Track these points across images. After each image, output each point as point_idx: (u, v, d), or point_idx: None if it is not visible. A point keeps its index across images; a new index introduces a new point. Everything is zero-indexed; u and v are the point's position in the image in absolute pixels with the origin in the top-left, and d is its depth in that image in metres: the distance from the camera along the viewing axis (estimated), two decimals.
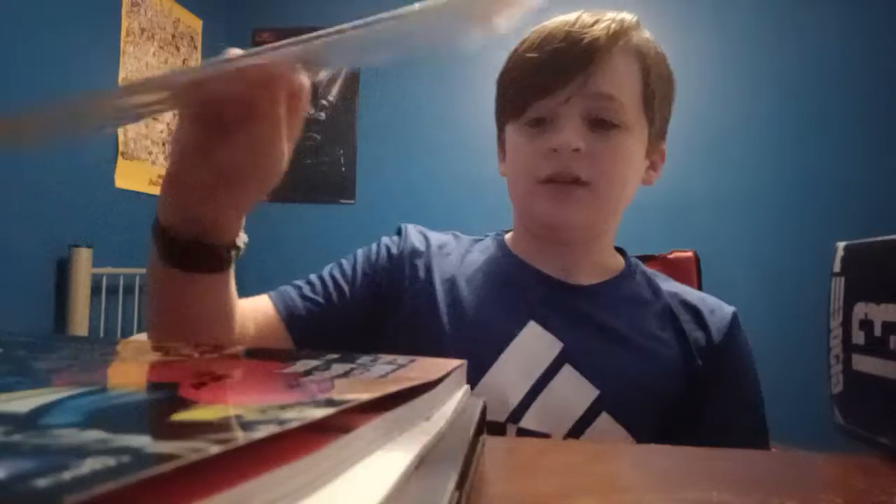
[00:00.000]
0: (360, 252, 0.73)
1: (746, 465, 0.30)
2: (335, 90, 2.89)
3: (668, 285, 0.70)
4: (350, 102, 2.87)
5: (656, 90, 0.64)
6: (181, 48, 2.63)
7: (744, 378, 0.66)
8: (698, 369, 0.63)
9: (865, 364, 0.32)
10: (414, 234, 0.72)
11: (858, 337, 0.33)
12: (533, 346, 0.61)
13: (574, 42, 0.59)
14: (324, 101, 2.89)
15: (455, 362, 0.28)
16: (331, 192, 2.86)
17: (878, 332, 0.31)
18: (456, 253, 0.71)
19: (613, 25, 0.60)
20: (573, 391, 0.59)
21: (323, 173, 2.87)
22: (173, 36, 2.57)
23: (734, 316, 0.67)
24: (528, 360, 0.60)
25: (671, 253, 0.93)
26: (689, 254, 0.93)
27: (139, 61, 2.36)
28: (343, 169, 2.86)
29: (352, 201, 2.85)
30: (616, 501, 0.24)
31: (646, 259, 0.91)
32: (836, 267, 0.36)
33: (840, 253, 0.36)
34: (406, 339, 0.64)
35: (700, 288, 0.90)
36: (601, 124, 0.61)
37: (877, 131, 2.54)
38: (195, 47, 2.74)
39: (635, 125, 0.62)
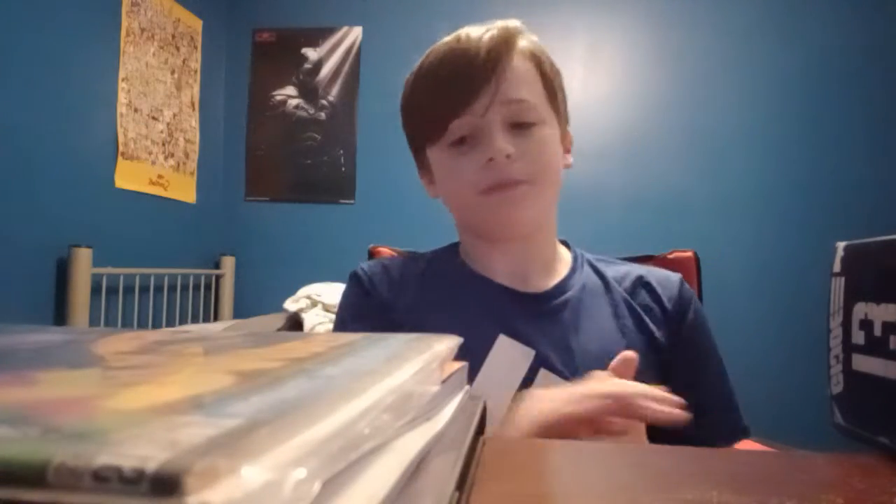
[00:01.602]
0: (347, 311, 0.73)
1: (746, 465, 0.30)
2: (335, 90, 2.89)
3: (613, 269, 0.73)
4: (350, 102, 2.87)
5: (555, 83, 0.68)
6: (181, 48, 2.63)
7: (702, 342, 0.69)
8: (661, 344, 0.66)
9: (865, 364, 0.32)
10: (372, 274, 0.72)
11: (858, 337, 0.33)
12: (507, 357, 0.63)
13: (473, 56, 0.63)
14: (324, 101, 2.89)
15: (457, 364, 0.28)
16: (331, 192, 2.86)
17: (878, 332, 0.31)
18: (415, 278, 0.72)
19: (502, 33, 0.64)
20: None
21: (323, 173, 2.87)
22: (173, 36, 2.57)
23: (681, 282, 0.71)
24: (505, 373, 0.62)
25: (671, 253, 0.93)
26: (689, 254, 0.93)
27: (139, 61, 2.36)
28: (343, 169, 2.87)
29: (352, 201, 2.85)
30: (616, 501, 0.24)
31: (646, 259, 0.91)
32: (836, 267, 0.36)
33: (840, 253, 0.36)
34: None
35: (700, 288, 0.90)
36: (521, 125, 0.64)
37: (877, 131, 2.54)
38: (195, 47, 2.74)
39: (547, 118, 0.66)
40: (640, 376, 0.63)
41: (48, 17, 1.92)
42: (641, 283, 0.70)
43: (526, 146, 0.63)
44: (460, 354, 0.62)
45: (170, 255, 2.50)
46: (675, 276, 0.71)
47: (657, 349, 0.66)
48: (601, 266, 0.73)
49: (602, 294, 0.69)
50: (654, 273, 0.72)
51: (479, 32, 0.65)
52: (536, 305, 0.67)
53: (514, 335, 0.64)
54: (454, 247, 0.77)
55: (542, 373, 0.62)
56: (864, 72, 2.56)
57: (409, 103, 0.70)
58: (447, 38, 0.66)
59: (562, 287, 0.69)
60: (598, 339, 0.65)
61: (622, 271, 0.72)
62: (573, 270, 0.71)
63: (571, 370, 0.62)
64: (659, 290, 0.69)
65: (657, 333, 0.66)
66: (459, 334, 0.64)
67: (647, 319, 0.67)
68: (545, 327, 0.65)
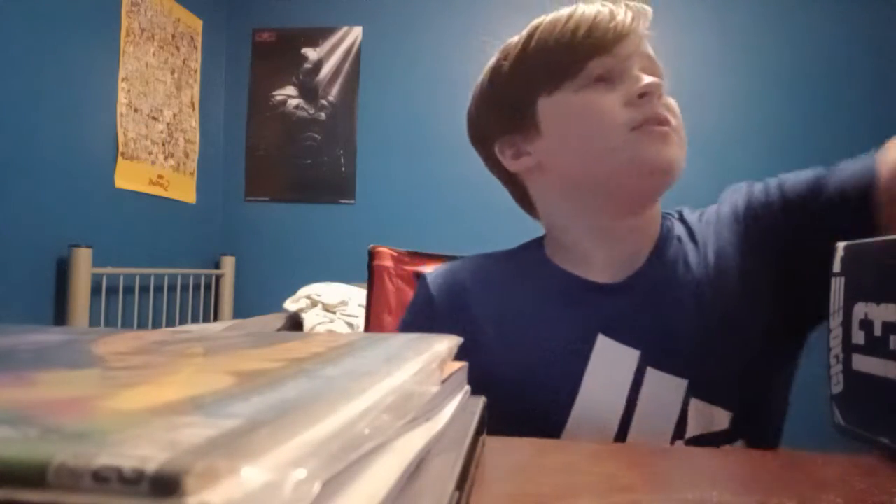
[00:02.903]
0: (409, 328, 0.68)
1: (746, 465, 0.30)
2: (335, 90, 2.89)
3: (700, 222, 0.67)
4: (350, 102, 2.87)
5: None
6: (181, 48, 2.63)
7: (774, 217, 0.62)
8: (767, 279, 0.59)
9: (865, 364, 0.32)
10: (441, 286, 0.66)
11: (858, 337, 0.33)
12: (611, 361, 0.58)
13: (615, 10, 0.60)
14: (324, 101, 2.89)
15: (457, 364, 0.28)
16: (331, 192, 2.86)
17: (878, 332, 0.31)
18: (494, 283, 0.66)
19: (637, 10, 0.61)
20: (665, 391, 0.56)
21: (323, 173, 2.87)
22: (173, 36, 2.57)
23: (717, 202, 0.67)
24: (611, 378, 0.57)
25: None
26: None
27: (139, 61, 2.36)
28: (343, 169, 2.87)
29: (352, 201, 2.85)
30: (616, 501, 0.24)
31: None
32: (836, 267, 0.36)
33: (840, 253, 0.36)
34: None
35: None
36: None
37: (878, 131, 2.54)
38: (195, 47, 2.74)
39: None
40: (752, 341, 0.57)
41: (48, 17, 1.92)
42: (693, 231, 0.65)
43: (666, 98, 0.60)
44: (559, 367, 0.58)
45: (170, 255, 2.50)
46: (714, 207, 0.67)
47: (770, 290, 0.59)
48: (692, 225, 0.67)
49: (695, 264, 0.62)
50: (697, 218, 0.68)
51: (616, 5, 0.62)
52: (631, 295, 0.61)
53: (615, 335, 0.59)
54: (538, 243, 0.70)
55: (651, 373, 0.57)
56: (865, 71, 2.56)
57: (521, 55, 0.63)
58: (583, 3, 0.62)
59: (654, 267, 0.62)
60: (700, 316, 0.59)
61: (708, 219, 0.67)
62: (664, 243, 0.65)
63: (679, 365, 0.57)
64: (706, 227, 0.65)
65: (752, 272, 0.59)
66: (555, 342, 0.59)
67: (740, 263, 0.60)
68: (646, 320, 0.59)
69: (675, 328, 0.59)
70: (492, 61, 0.67)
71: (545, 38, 0.61)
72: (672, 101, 0.61)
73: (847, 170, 0.58)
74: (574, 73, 0.60)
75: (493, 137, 0.68)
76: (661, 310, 0.60)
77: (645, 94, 0.57)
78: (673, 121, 0.59)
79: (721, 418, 0.56)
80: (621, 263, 0.63)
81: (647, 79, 0.58)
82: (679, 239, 0.65)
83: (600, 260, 0.63)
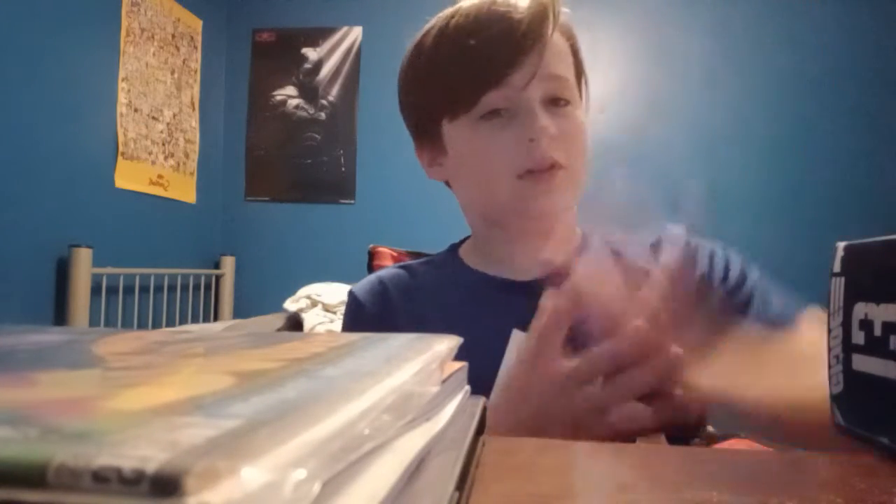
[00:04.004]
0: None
1: (746, 465, 0.30)
2: (335, 90, 2.89)
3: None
4: (350, 102, 2.87)
5: (582, 63, 0.64)
6: (181, 48, 2.63)
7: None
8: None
9: (865, 364, 0.32)
10: (368, 294, 0.68)
11: (858, 337, 0.33)
12: None
13: (516, 23, 0.56)
14: (324, 101, 2.89)
15: (457, 364, 0.28)
16: (331, 192, 2.86)
17: (878, 332, 0.31)
18: (414, 292, 0.67)
19: (543, 1, 0.58)
20: None
21: (323, 173, 2.87)
22: (173, 36, 2.57)
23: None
24: None
25: None
26: None
27: (139, 61, 2.36)
28: (343, 169, 2.87)
29: (352, 201, 2.85)
30: (616, 501, 0.24)
31: None
32: (836, 267, 0.36)
33: (840, 253, 0.36)
34: None
35: None
36: (555, 103, 0.59)
37: (877, 131, 2.54)
38: (195, 47, 2.74)
39: (577, 99, 0.62)
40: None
41: (48, 18, 1.92)
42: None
43: (563, 127, 0.58)
44: (473, 360, 0.58)
45: (170, 255, 2.50)
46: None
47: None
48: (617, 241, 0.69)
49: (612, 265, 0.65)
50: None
51: None
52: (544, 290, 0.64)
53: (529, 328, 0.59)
54: (453, 248, 0.72)
55: None
56: (864, 71, 2.56)
57: (425, 68, 0.62)
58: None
59: (570, 265, 0.65)
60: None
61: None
62: (582, 248, 0.67)
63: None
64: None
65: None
66: (471, 337, 0.59)
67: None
68: None
69: (593, 321, 0.59)
70: (408, 53, 0.65)
71: (439, 59, 0.60)
72: (574, 123, 0.60)
73: (773, 309, 0.63)
74: (468, 107, 0.58)
75: (413, 134, 0.68)
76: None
77: (534, 140, 0.57)
78: (564, 158, 0.58)
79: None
80: (538, 266, 0.64)
81: (539, 121, 0.56)
82: (601, 242, 0.67)
83: (517, 262, 0.65)
